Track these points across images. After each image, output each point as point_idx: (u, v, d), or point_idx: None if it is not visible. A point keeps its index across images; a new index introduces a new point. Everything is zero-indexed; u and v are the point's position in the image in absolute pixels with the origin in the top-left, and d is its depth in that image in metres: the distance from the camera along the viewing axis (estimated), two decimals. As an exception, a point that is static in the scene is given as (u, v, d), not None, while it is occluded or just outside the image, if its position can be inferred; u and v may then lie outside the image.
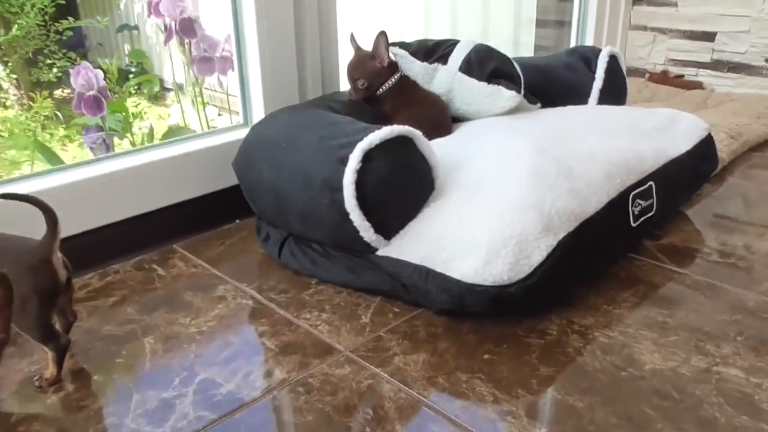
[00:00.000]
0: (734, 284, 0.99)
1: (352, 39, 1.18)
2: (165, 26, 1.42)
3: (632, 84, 1.91)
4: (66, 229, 0.77)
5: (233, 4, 1.22)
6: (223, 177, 1.19)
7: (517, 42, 2.21)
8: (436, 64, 1.21)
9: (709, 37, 1.99)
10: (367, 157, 0.86)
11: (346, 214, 0.88)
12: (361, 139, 0.87)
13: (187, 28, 1.40)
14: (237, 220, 1.22)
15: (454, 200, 0.93)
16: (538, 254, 0.85)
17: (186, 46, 1.43)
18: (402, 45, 1.22)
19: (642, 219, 1.06)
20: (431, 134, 1.10)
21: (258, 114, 1.25)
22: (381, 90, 1.17)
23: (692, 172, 1.21)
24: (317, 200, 0.90)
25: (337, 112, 1.12)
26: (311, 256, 1.01)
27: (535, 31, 2.21)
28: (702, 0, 1.97)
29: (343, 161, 0.87)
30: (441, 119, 1.19)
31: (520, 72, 1.24)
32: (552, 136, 1.09)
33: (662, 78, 2.07)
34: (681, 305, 0.94)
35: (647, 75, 2.14)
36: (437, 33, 1.82)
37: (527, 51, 2.20)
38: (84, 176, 1.06)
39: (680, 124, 1.24)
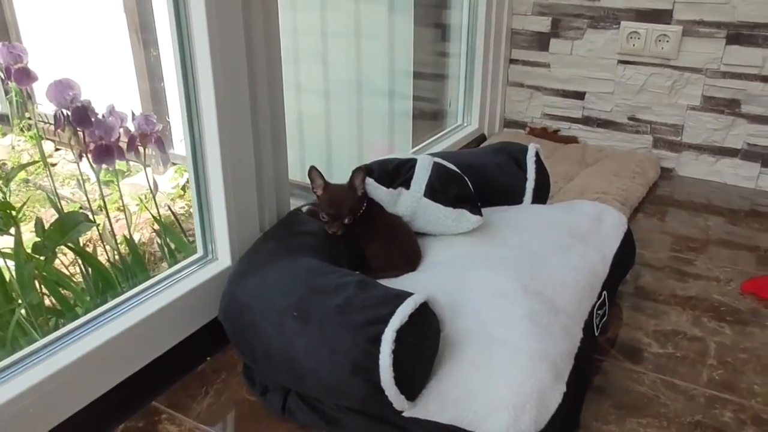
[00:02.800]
0: (683, 378, 1.13)
1: (314, 170, 1.16)
2: (54, 115, 1.31)
3: (514, 136, 2.12)
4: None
5: (192, 143, 1.15)
6: (192, 321, 1.13)
7: (394, 92, 2.26)
8: (399, 188, 1.23)
9: (579, 95, 2.21)
10: (399, 335, 0.87)
11: (381, 390, 0.89)
12: (389, 316, 0.88)
13: (81, 116, 1.30)
14: (208, 358, 1.17)
15: (468, 354, 0.95)
16: (554, 402, 0.91)
17: (79, 135, 1.34)
18: (368, 173, 1.22)
19: (600, 325, 1.18)
20: (404, 266, 1.16)
21: (222, 246, 1.19)
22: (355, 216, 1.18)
23: (622, 268, 1.34)
24: (346, 378, 0.89)
25: (313, 247, 1.12)
26: (321, 411, 0.99)
27: (413, 83, 2.30)
28: (571, 63, 2.17)
29: (375, 341, 0.88)
30: (413, 249, 1.21)
31: (473, 194, 1.27)
32: (526, 265, 1.14)
33: (542, 133, 2.23)
34: (651, 410, 1.07)
35: (527, 128, 2.28)
36: (309, 77, 1.88)
37: (405, 101, 2.24)
38: (41, 376, 0.92)
39: (605, 221, 1.36)
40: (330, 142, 2.27)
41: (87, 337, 1.00)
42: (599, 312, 1.15)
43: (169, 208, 2.03)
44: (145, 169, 1.52)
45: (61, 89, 1.27)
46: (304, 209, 1.24)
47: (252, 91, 1.10)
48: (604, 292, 1.18)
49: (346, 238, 1.17)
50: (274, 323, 0.96)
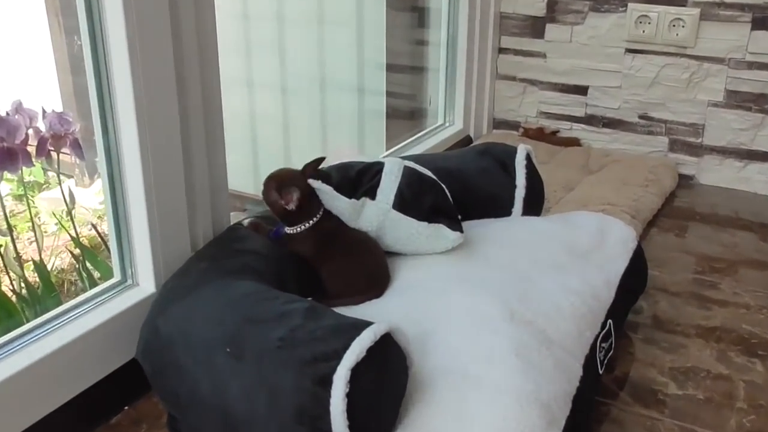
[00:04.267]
0: (707, 425, 1.12)
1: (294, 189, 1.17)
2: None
3: (505, 138, 2.07)
4: None
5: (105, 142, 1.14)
6: (105, 362, 1.11)
7: (364, 88, 2.27)
8: (363, 199, 1.22)
9: (581, 90, 2.22)
10: (354, 373, 0.85)
11: (333, 441, 0.87)
12: (342, 350, 0.85)
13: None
14: (126, 407, 1.15)
15: (441, 396, 0.93)
16: (548, 452, 0.91)
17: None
18: (324, 178, 1.21)
19: (605, 361, 1.16)
20: (368, 290, 1.15)
21: (144, 269, 1.17)
22: (299, 228, 1.19)
23: (631, 293, 1.33)
24: (290, 428, 0.87)
25: (255, 268, 1.11)
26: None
27: (386, 77, 2.30)
28: (571, 52, 2.18)
29: (324, 381, 0.85)
30: (379, 269, 1.20)
31: (452, 205, 1.26)
32: (513, 288, 1.13)
33: (538, 134, 2.23)
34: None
35: (520, 129, 2.30)
36: (262, 71, 1.87)
37: (377, 98, 2.26)
38: None
39: (610, 236, 1.35)
40: (288, 146, 2.27)
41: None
42: (603, 345, 1.13)
43: (94, 228, 1.97)
44: (58, 177, 1.49)
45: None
46: (246, 222, 1.23)
47: (181, 83, 1.11)
48: (609, 321, 1.16)
49: (298, 257, 1.18)
50: (202, 361, 0.95)
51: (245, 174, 1.97)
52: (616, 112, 2.20)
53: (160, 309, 1.05)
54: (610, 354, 1.18)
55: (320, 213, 1.19)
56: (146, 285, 1.18)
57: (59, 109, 1.37)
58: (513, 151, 1.42)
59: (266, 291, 1.03)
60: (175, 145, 1.13)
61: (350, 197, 1.21)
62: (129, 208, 1.13)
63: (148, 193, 1.11)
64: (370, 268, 1.19)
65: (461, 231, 1.22)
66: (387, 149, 2.07)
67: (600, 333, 1.13)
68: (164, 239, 1.15)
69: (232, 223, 1.27)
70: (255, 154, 2.26)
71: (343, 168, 1.25)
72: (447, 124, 2.25)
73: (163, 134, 1.10)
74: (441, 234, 1.21)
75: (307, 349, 0.88)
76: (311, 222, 1.18)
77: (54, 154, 1.34)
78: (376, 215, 1.22)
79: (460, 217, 1.25)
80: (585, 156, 2.10)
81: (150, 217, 1.12)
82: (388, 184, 1.22)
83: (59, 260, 1.98)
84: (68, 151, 1.40)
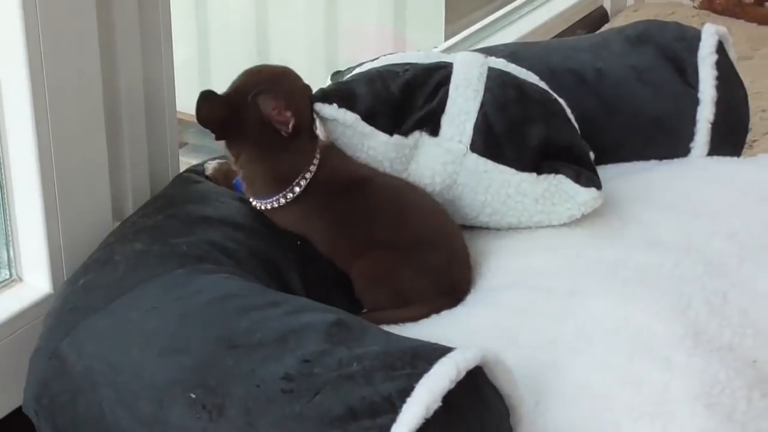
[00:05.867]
0: None
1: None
2: None
3: (672, 12, 1.95)
4: None
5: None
6: None
7: None
8: (417, 133, 1.08)
9: None
10: None
11: None
12: (398, 399, 0.74)
13: None
14: None
15: None
16: None
17: None
18: (342, 99, 1.05)
19: None
20: (438, 294, 1.06)
21: (32, 254, 1.06)
22: (282, 199, 1.04)
23: None
24: None
25: (228, 249, 1.00)
26: None
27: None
28: None
29: None
30: (454, 260, 1.09)
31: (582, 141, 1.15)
32: (697, 288, 1.02)
33: (732, 2, 2.03)
34: None
35: None
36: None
37: None
38: None
39: None
40: (266, 30, 2.07)
41: None
42: None
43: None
44: None
45: None
46: (209, 168, 1.14)
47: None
48: None
49: (305, 234, 1.07)
50: (147, 420, 0.86)
51: (190, 82, 1.83)
52: None
53: (66, 325, 0.95)
54: None
55: (316, 160, 1.05)
56: (35, 280, 1.08)
57: None
58: (693, 38, 1.28)
59: (254, 291, 0.95)
60: (90, 45, 1.03)
61: (392, 132, 1.08)
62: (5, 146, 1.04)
63: (38, 118, 0.99)
64: (435, 258, 1.07)
65: (598, 186, 1.09)
66: (448, 35, 1.91)
67: None
68: (66, 199, 1.05)
69: (182, 170, 1.20)
70: (207, 49, 2.09)
71: (378, 79, 1.12)
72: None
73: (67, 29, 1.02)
74: (562, 192, 1.09)
75: (337, 396, 0.79)
76: (311, 171, 1.04)
77: None
78: (441, 163, 1.10)
79: (594, 160, 1.17)
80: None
81: (41, 162, 1.01)
82: (462, 106, 1.09)
83: None
84: None
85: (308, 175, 1.04)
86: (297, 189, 1.04)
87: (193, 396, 0.83)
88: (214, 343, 0.87)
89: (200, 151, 1.55)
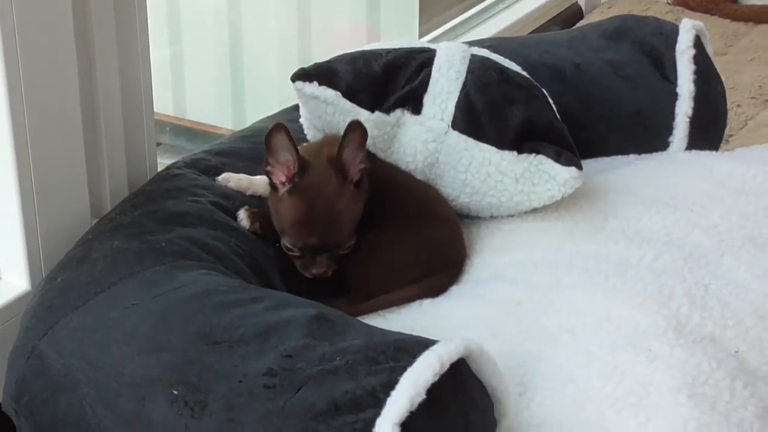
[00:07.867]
0: None
1: (283, 131, 1.02)
2: None
3: (647, 7, 1.97)
4: None
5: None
6: None
7: None
8: (399, 111, 1.09)
9: None
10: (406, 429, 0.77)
11: None
12: (382, 393, 0.75)
13: None
14: None
15: None
16: None
17: None
18: (324, 77, 1.07)
19: None
20: (425, 277, 1.06)
21: (8, 249, 1.07)
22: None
23: None
24: None
25: (207, 245, 1.02)
26: None
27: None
28: None
29: None
30: (447, 239, 1.10)
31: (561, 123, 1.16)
32: (678, 280, 1.03)
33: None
34: None
35: None
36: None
37: None
38: None
39: None
40: (239, 29, 2.06)
41: None
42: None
43: None
44: None
45: None
46: (245, 222, 1.10)
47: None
48: None
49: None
50: (128, 418, 0.87)
51: (164, 82, 1.83)
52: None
53: (45, 323, 0.96)
54: None
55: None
56: (14, 278, 1.10)
57: None
58: (671, 32, 1.30)
59: (235, 287, 0.96)
60: (66, 46, 1.04)
61: (373, 109, 1.09)
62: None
63: (15, 118, 1.00)
64: (435, 233, 1.09)
65: (578, 166, 1.10)
66: (422, 32, 1.95)
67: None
68: (43, 197, 1.07)
69: (160, 170, 1.21)
70: (180, 50, 2.08)
71: (360, 58, 1.14)
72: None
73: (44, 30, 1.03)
74: (542, 173, 1.10)
75: (320, 391, 0.79)
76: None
77: None
78: (422, 141, 1.12)
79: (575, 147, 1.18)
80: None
81: (19, 163, 1.02)
82: (444, 86, 1.11)
83: None
84: None
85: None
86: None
87: (175, 393, 0.84)
88: (195, 339, 0.88)
89: (175, 151, 1.56)
